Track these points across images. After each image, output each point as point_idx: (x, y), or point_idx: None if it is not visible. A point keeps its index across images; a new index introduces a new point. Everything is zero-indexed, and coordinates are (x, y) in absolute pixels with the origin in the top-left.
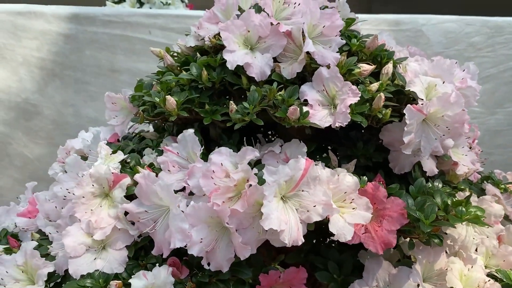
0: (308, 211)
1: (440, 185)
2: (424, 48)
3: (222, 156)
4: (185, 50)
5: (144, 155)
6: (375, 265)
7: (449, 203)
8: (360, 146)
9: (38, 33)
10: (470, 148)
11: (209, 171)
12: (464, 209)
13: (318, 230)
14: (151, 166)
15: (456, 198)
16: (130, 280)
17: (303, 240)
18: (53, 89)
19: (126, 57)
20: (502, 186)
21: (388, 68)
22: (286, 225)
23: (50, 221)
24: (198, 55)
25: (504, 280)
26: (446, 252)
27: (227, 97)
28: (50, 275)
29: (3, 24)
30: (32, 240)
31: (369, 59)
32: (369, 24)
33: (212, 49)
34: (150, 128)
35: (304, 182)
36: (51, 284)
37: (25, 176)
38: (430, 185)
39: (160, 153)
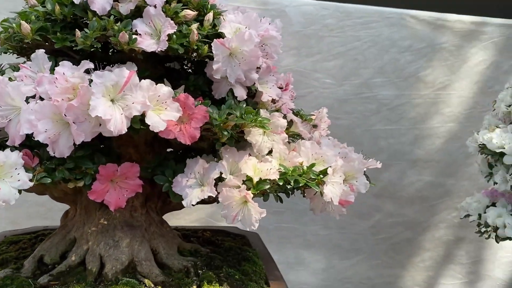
0: (130, 108)
1: (245, 105)
2: (286, 27)
3: (65, 67)
4: None
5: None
6: (194, 163)
7: (243, 112)
8: (191, 78)
9: None
10: (281, 88)
11: (53, 79)
12: (253, 116)
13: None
14: (10, 80)
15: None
16: None
17: (126, 130)
18: None
19: None
20: (305, 116)
21: (209, 16)
22: (111, 116)
23: None
24: None
25: (283, 170)
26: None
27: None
28: None
29: None
30: None
31: (195, 8)
32: (239, 2)
33: None
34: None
35: (128, 88)
36: None
37: None
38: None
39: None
